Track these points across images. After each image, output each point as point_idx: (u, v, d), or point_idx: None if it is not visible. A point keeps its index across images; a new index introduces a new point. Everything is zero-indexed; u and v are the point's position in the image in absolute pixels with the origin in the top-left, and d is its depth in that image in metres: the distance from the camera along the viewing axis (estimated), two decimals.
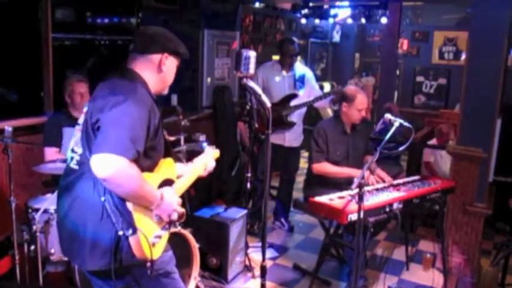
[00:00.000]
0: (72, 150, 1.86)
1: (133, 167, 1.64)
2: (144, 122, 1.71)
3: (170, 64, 1.92)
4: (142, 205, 1.74)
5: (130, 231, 1.67)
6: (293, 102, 4.11)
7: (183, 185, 2.06)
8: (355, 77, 4.80)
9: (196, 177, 2.19)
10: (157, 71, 1.89)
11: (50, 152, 3.25)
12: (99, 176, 1.61)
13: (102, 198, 1.68)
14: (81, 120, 1.87)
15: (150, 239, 1.72)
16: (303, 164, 6.96)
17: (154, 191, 1.77)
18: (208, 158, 2.27)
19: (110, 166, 1.58)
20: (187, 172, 2.13)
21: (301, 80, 4.23)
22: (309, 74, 4.33)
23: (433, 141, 5.17)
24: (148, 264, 1.74)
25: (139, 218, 1.72)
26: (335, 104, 4.21)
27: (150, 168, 1.83)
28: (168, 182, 1.92)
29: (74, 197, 1.77)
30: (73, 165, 1.83)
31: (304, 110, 4.28)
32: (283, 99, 4.09)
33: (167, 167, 1.96)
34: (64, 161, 3.04)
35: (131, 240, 1.68)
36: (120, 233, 1.67)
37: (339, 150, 3.43)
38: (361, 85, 3.87)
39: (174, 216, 1.84)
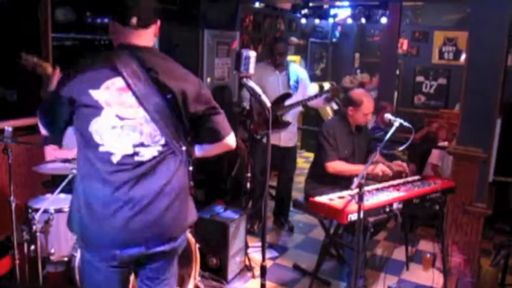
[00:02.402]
0: (141, 145, 1.76)
1: None
2: None
3: None
4: None
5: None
6: (287, 102, 4.10)
7: None
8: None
9: None
10: (155, 37, 1.89)
11: (50, 149, 3.26)
12: (231, 148, 1.98)
13: (191, 168, 1.98)
14: (132, 115, 1.75)
15: None
16: (303, 164, 6.99)
17: None
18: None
19: (234, 139, 2.00)
20: None
21: (295, 81, 4.22)
22: (302, 74, 4.32)
23: (445, 144, 5.11)
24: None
25: None
26: (330, 102, 4.21)
27: None
28: None
29: (170, 179, 1.81)
30: (149, 157, 1.77)
31: (298, 109, 4.27)
32: (277, 99, 4.06)
33: None
34: (64, 160, 3.06)
35: None
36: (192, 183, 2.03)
37: (346, 149, 3.46)
38: (357, 82, 3.87)
39: None
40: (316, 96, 4.06)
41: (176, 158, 1.83)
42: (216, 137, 1.92)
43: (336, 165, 3.39)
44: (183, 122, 1.83)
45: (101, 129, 1.74)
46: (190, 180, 1.97)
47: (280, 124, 4.11)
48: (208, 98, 1.88)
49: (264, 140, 3.87)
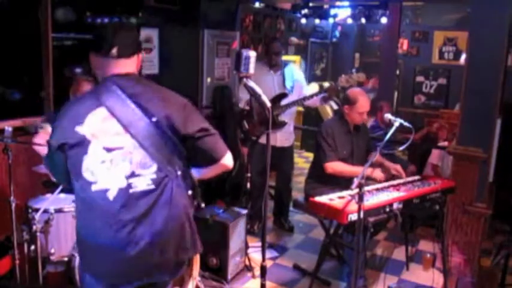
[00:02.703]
0: (132, 175, 1.71)
1: None
2: None
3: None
4: None
5: (200, 199, 1.96)
6: (283, 102, 4.09)
7: None
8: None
9: None
10: (137, 70, 1.87)
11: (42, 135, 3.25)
12: (229, 168, 1.90)
13: (190, 192, 1.86)
14: (120, 143, 1.71)
15: None
16: (303, 164, 6.99)
17: None
18: None
19: (232, 159, 1.91)
20: None
21: (291, 81, 4.21)
22: (298, 75, 4.31)
23: (445, 144, 5.11)
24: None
25: None
26: (326, 101, 4.20)
27: None
28: None
29: (170, 209, 1.75)
30: (144, 186, 1.72)
31: (294, 109, 4.26)
32: (273, 99, 4.04)
33: None
34: None
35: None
36: (203, 205, 2.01)
37: (345, 149, 3.46)
38: (353, 81, 3.86)
39: None
40: (312, 96, 4.05)
41: (172, 183, 1.75)
42: (211, 158, 1.85)
43: (335, 166, 3.38)
44: (175, 145, 1.76)
45: (91, 166, 1.70)
46: (191, 204, 1.87)
47: (276, 124, 4.09)
48: (198, 120, 1.81)
49: (261, 141, 3.86)
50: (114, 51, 1.74)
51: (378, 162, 3.54)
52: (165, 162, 1.73)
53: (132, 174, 1.71)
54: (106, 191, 1.69)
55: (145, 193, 1.71)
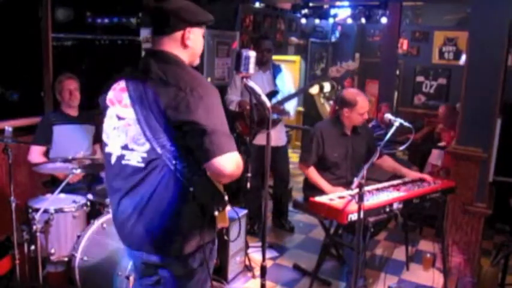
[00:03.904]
0: (125, 147, 1.77)
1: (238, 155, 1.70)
2: (221, 104, 1.74)
3: (195, 36, 1.84)
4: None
5: (221, 208, 1.78)
6: (274, 100, 4.04)
7: None
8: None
9: None
10: (183, 47, 1.82)
11: (35, 151, 3.30)
12: (224, 175, 1.66)
13: (191, 189, 1.70)
14: (125, 114, 1.77)
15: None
16: None
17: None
18: None
19: (232, 164, 1.66)
20: None
21: (281, 80, 4.20)
22: (288, 82, 4.26)
23: (444, 144, 5.09)
24: (224, 230, 1.93)
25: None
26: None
27: None
28: None
29: (150, 193, 1.75)
30: (134, 163, 1.76)
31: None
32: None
33: None
34: (64, 160, 3.06)
35: (219, 215, 1.79)
36: (216, 213, 1.76)
37: (336, 151, 3.40)
38: (343, 71, 3.83)
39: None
40: (303, 90, 4.01)
41: (164, 169, 1.70)
42: (203, 156, 1.64)
43: (304, 169, 3.43)
44: (169, 130, 1.67)
45: (107, 129, 1.84)
46: (185, 202, 1.74)
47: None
48: (192, 108, 1.63)
49: (255, 142, 3.85)
50: (152, 28, 1.87)
51: (390, 167, 3.52)
52: (159, 147, 1.69)
53: (126, 147, 1.78)
54: (110, 155, 1.84)
55: (136, 171, 1.76)
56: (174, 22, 1.79)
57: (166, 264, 1.86)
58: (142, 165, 1.74)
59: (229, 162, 1.65)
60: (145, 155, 1.73)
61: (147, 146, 1.72)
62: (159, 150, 1.69)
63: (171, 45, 1.81)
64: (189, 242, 1.79)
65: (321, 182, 3.33)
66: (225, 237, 1.83)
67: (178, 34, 1.80)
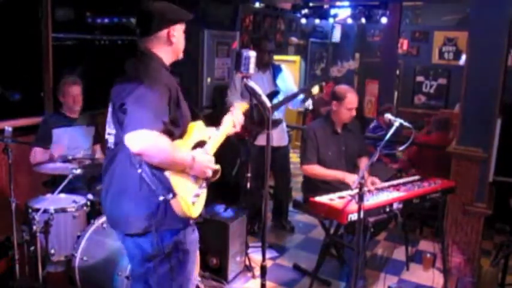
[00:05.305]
0: (108, 132, 2.01)
1: (162, 137, 1.78)
2: (164, 95, 1.84)
3: (178, 33, 2.03)
4: (178, 169, 1.88)
5: (170, 195, 1.84)
6: (275, 100, 4.05)
7: (214, 143, 2.17)
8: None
9: (227, 134, 2.29)
10: (168, 44, 2.00)
11: (38, 152, 3.29)
12: (134, 151, 1.76)
13: (139, 170, 1.83)
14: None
15: (190, 199, 1.89)
16: None
17: (185, 156, 1.90)
18: (235, 114, 2.36)
19: (142, 140, 1.74)
20: (217, 131, 2.24)
21: (282, 79, 4.20)
22: (289, 80, 4.26)
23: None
24: (191, 221, 1.99)
25: (178, 181, 1.87)
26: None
27: (181, 135, 1.99)
28: (200, 144, 2.08)
29: (113, 173, 1.95)
30: (110, 145, 2.00)
31: (285, 107, 4.23)
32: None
33: (198, 130, 2.11)
34: (64, 160, 3.07)
35: (173, 202, 1.86)
36: (161, 198, 1.83)
37: (330, 150, 3.42)
38: (344, 70, 3.83)
39: (209, 174, 2.00)
40: (304, 90, 4.00)
41: (126, 151, 1.84)
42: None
43: (309, 169, 3.40)
44: (117, 113, 1.89)
45: (108, 117, 2.03)
46: (140, 186, 1.87)
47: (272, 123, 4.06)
48: (128, 91, 1.82)
49: (256, 143, 3.85)
50: (137, 31, 2.02)
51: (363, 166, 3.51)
52: (121, 130, 1.86)
53: (108, 132, 2.01)
54: (107, 140, 2.02)
55: (109, 151, 2.01)
56: (159, 22, 1.97)
57: (125, 243, 2.05)
58: (113, 146, 1.98)
59: (137, 138, 1.74)
60: (113, 138, 1.97)
61: (115, 131, 1.95)
62: (120, 133, 1.88)
63: (155, 44, 1.99)
64: (134, 222, 1.90)
65: (331, 172, 3.32)
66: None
67: (164, 33, 1.98)
